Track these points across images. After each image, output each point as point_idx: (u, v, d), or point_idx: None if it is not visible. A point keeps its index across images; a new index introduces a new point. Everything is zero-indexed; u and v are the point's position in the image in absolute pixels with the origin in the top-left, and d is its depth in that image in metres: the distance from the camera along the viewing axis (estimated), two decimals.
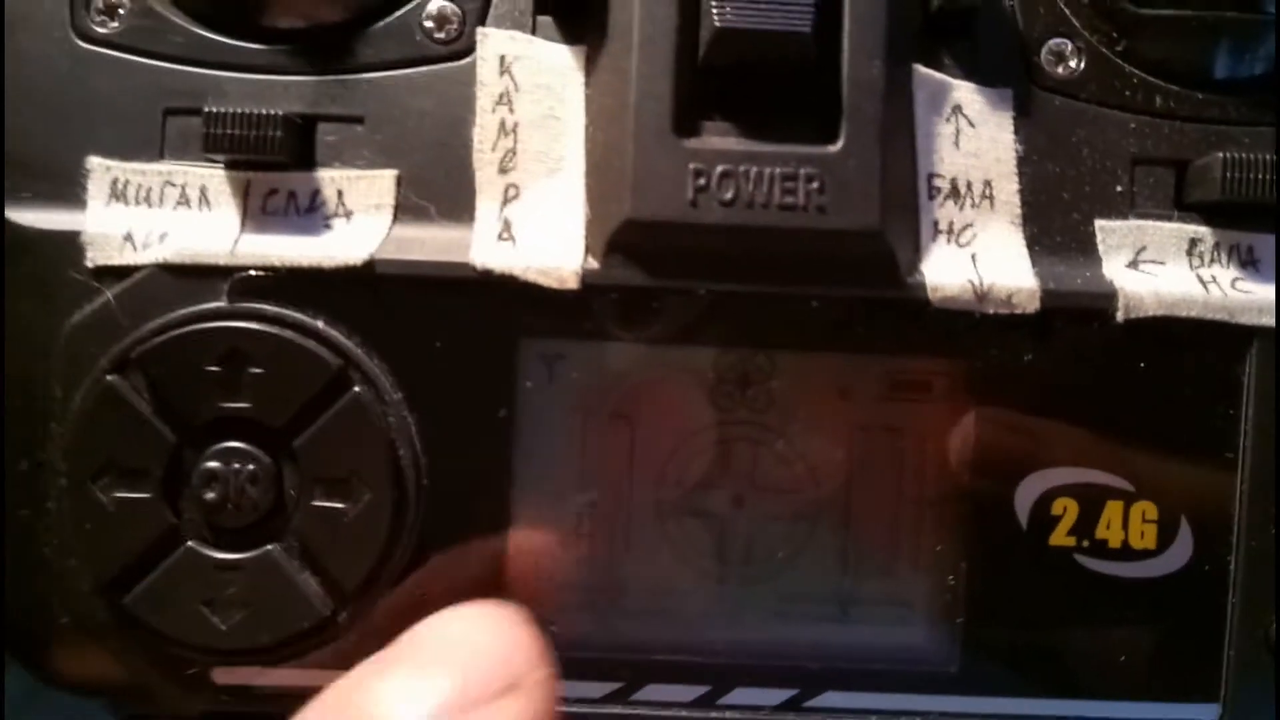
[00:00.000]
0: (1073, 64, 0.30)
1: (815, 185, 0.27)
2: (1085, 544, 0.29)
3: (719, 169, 0.27)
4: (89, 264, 0.28)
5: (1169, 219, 0.30)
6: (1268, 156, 0.29)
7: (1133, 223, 0.29)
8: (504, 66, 0.29)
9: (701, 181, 0.27)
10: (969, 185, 0.29)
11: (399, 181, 0.29)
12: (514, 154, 0.29)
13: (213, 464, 0.28)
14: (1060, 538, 0.29)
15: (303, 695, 0.29)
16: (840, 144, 0.27)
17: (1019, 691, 0.29)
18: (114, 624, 0.28)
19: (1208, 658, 0.29)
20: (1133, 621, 0.29)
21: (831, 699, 0.29)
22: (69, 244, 0.28)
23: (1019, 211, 0.29)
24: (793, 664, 0.29)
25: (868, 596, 0.30)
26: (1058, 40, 0.30)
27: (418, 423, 0.28)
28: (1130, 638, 0.29)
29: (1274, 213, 0.29)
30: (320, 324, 0.28)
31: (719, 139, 0.28)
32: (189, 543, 0.28)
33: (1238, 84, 0.30)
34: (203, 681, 0.29)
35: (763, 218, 0.27)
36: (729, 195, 0.27)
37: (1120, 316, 0.29)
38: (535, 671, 0.23)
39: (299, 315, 0.28)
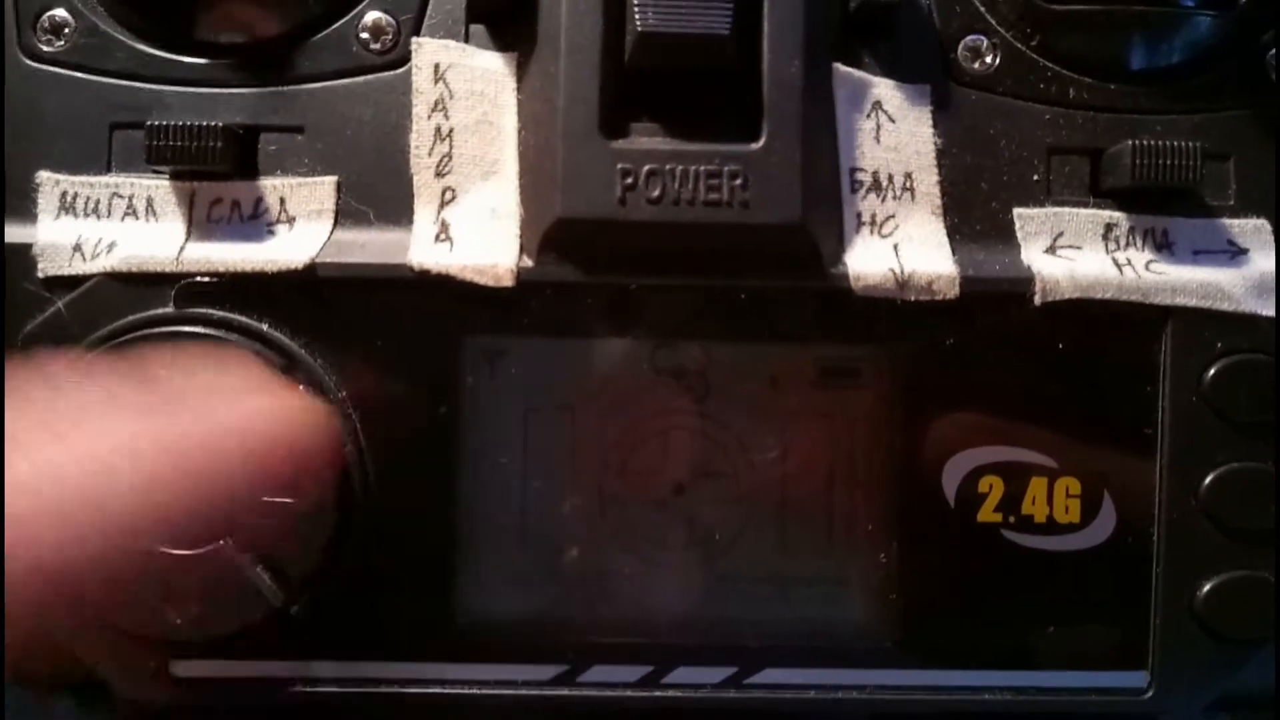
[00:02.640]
0: (989, 59, 0.31)
1: (739, 182, 0.28)
2: (1011, 519, 0.30)
3: (646, 168, 0.28)
4: (40, 275, 0.29)
5: (1085, 205, 0.31)
6: (1176, 143, 0.30)
7: (1050, 210, 0.31)
8: (439, 74, 0.30)
9: (629, 181, 0.28)
10: (890, 178, 0.30)
11: (339, 188, 0.30)
12: (450, 158, 0.30)
13: None
14: (987, 514, 0.30)
15: (259, 685, 0.30)
16: (762, 142, 0.28)
17: (953, 664, 0.30)
18: (73, 621, 0.29)
19: (1134, 627, 0.31)
20: (1060, 594, 0.30)
21: (771, 675, 0.30)
22: (21, 256, 0.29)
23: (939, 202, 0.30)
24: (733, 643, 0.30)
25: (804, 576, 0.31)
26: (974, 37, 0.31)
27: (362, 420, 0.29)
28: (1058, 609, 0.30)
29: (1192, 195, 0.31)
30: (265, 327, 0.29)
31: (646, 139, 0.29)
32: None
33: (1150, 75, 0.31)
34: (161, 675, 0.30)
35: (689, 214, 0.28)
36: (656, 193, 0.28)
37: (1038, 300, 0.30)
38: None
39: (244, 319, 0.29)
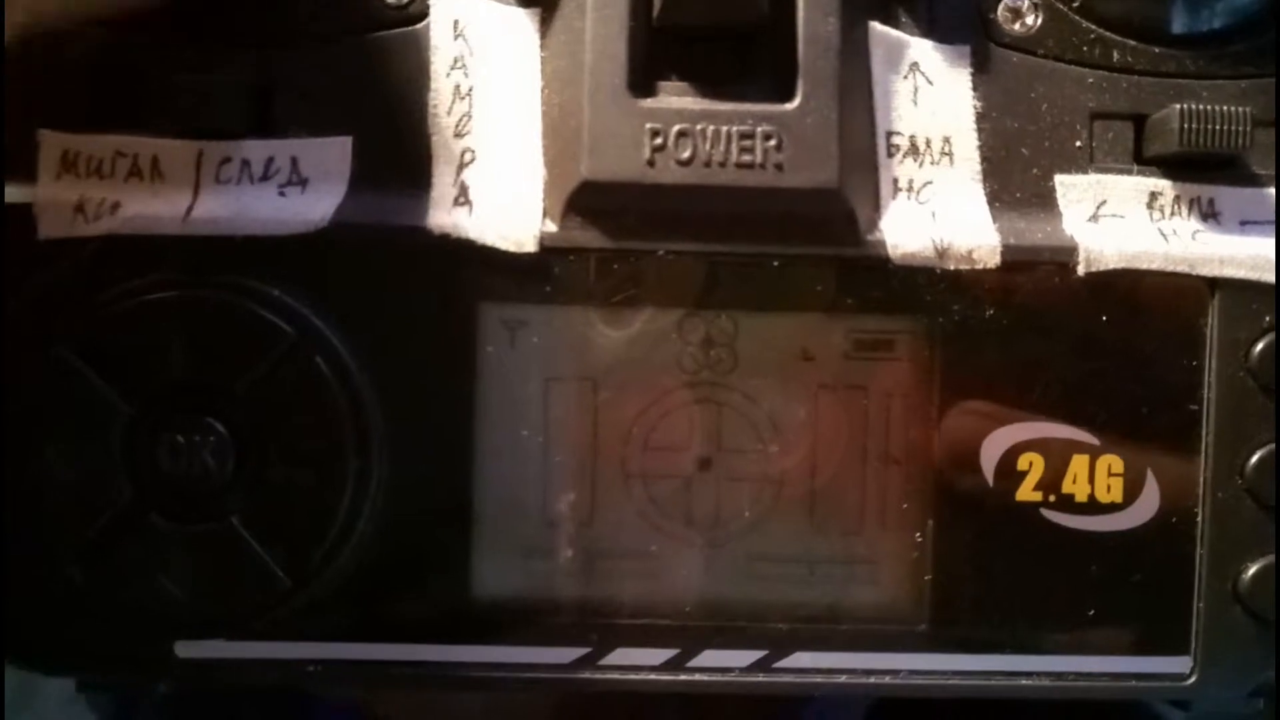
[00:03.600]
0: (1029, 20, 0.30)
1: (773, 143, 0.27)
2: (1052, 499, 0.29)
3: (676, 129, 0.27)
4: (40, 236, 0.28)
5: (1128, 173, 0.30)
6: (1225, 109, 0.28)
7: (1092, 177, 0.29)
8: (458, 30, 0.29)
9: (658, 141, 0.27)
10: (928, 142, 0.29)
11: (354, 148, 0.29)
12: (469, 118, 0.29)
13: (171, 435, 0.28)
14: (1026, 493, 0.29)
15: (267, 667, 0.29)
16: (796, 102, 0.27)
17: (988, 648, 0.29)
18: (76, 598, 0.28)
19: (1177, 611, 0.29)
20: (1101, 576, 0.29)
21: (801, 659, 0.29)
22: (22, 216, 0.28)
23: (978, 168, 0.29)
24: (762, 625, 0.29)
25: (835, 556, 0.29)
26: None
27: (378, 390, 0.28)
28: (1099, 592, 0.29)
29: (1239, 164, 0.29)
30: (276, 292, 0.28)
31: (675, 99, 0.28)
32: (149, 515, 0.28)
33: (1194, 39, 0.30)
34: (166, 655, 0.29)
35: (720, 177, 0.27)
36: (686, 155, 0.27)
37: (1081, 270, 0.29)
38: None
39: (254, 284, 0.28)
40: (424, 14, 0.29)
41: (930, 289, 0.29)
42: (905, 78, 0.29)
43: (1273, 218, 0.29)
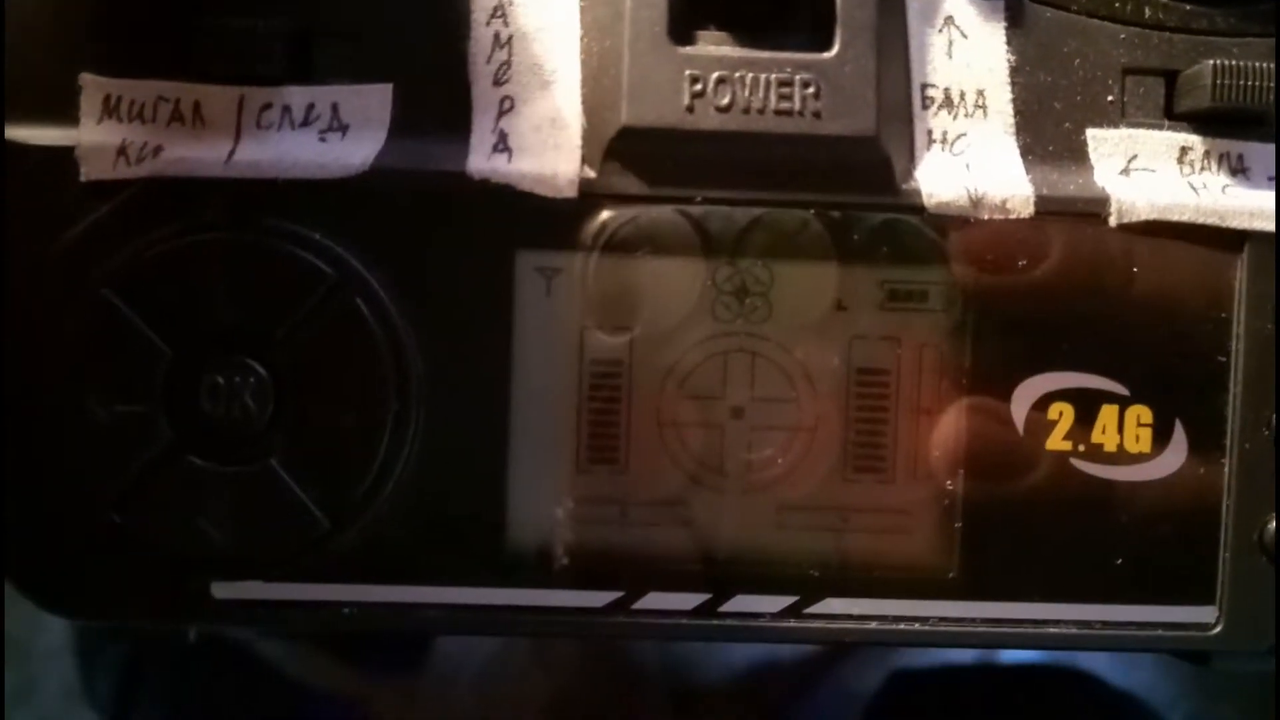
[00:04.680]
0: None
1: (811, 91, 0.28)
2: (1081, 448, 0.29)
3: (715, 75, 0.27)
4: (83, 178, 0.28)
5: (1159, 128, 0.30)
6: (1257, 64, 0.29)
7: (1124, 131, 0.30)
8: None
9: (698, 88, 0.27)
10: (962, 95, 0.29)
11: (395, 94, 0.29)
12: (509, 66, 0.29)
13: (211, 377, 0.28)
14: (1056, 442, 0.29)
15: (302, 610, 0.29)
16: (835, 50, 0.28)
17: (1017, 596, 0.30)
18: (114, 541, 0.28)
19: (1203, 561, 0.30)
20: (1128, 525, 0.30)
21: (832, 605, 0.30)
22: (63, 159, 0.28)
23: (1012, 121, 0.30)
24: (794, 571, 0.30)
25: (867, 504, 0.30)
26: None
27: (416, 335, 0.28)
28: (1126, 541, 0.30)
29: (1268, 121, 0.30)
30: (317, 236, 0.28)
31: (714, 47, 0.28)
32: (189, 457, 0.28)
33: None
34: (202, 596, 0.29)
35: (759, 123, 0.27)
36: (725, 101, 0.27)
37: (1113, 221, 0.29)
38: None
39: (295, 227, 0.28)
40: None
41: (964, 239, 0.29)
42: (940, 31, 0.29)
43: None
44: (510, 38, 0.29)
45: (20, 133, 0.28)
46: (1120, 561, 0.30)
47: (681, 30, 0.28)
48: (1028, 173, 0.29)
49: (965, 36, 0.30)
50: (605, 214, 0.29)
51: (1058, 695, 0.57)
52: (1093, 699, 0.57)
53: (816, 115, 0.27)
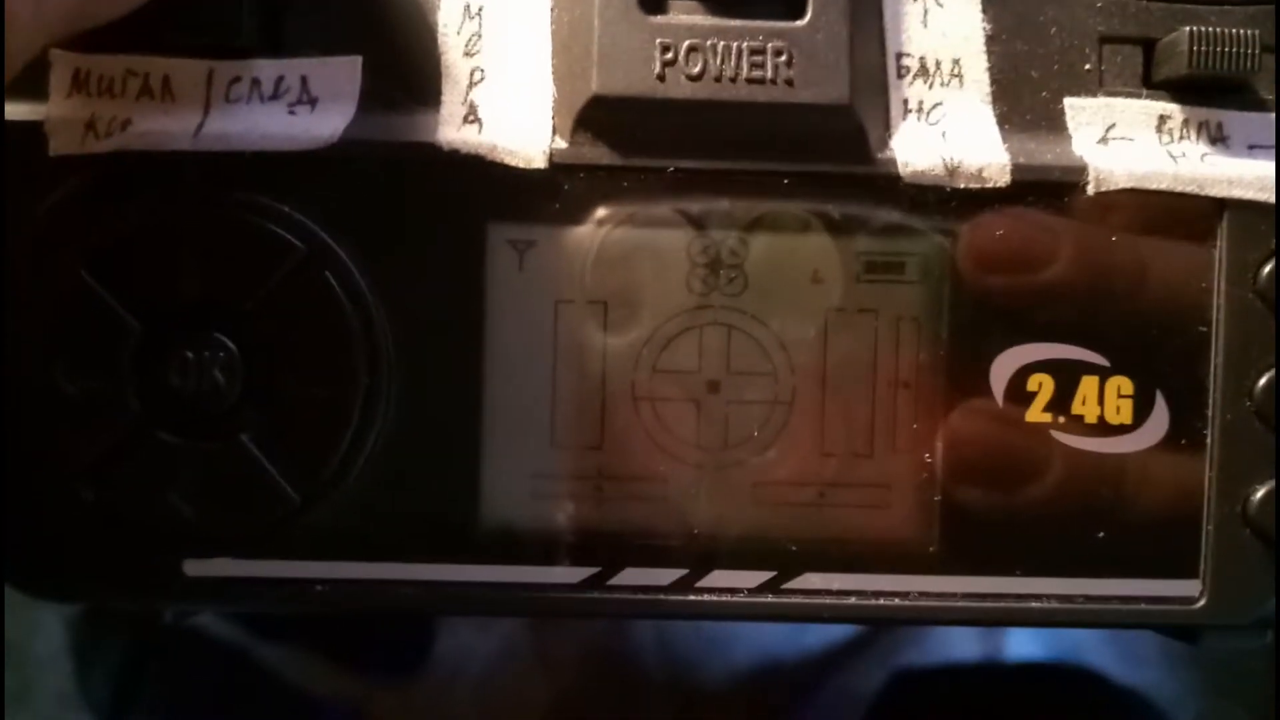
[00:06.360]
0: None
1: (783, 59, 0.27)
2: (1061, 420, 0.29)
3: (686, 44, 0.27)
4: (51, 153, 0.28)
5: (1138, 96, 0.30)
6: (1235, 31, 0.29)
7: (1101, 100, 0.29)
8: None
9: (668, 56, 0.27)
10: (937, 64, 0.29)
11: (364, 67, 0.29)
12: (479, 37, 0.29)
13: (180, 352, 0.27)
14: (1036, 414, 0.29)
15: (274, 587, 0.29)
16: (807, 18, 0.27)
17: (998, 570, 0.29)
18: (82, 518, 0.28)
19: (1186, 533, 0.29)
20: (1110, 497, 0.29)
21: (810, 580, 0.29)
22: (33, 135, 0.28)
23: (988, 90, 0.29)
24: (771, 546, 0.29)
25: (845, 478, 0.29)
26: None
27: (387, 308, 0.28)
28: (1108, 514, 0.29)
29: (1247, 89, 0.30)
30: (286, 209, 0.28)
31: (686, 16, 0.28)
32: (158, 432, 0.28)
33: None
34: (174, 574, 0.28)
35: (730, 92, 0.27)
36: (696, 70, 0.27)
37: (1091, 189, 0.29)
38: None
39: (265, 200, 0.28)
40: None
41: (941, 209, 0.29)
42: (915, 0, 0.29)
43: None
44: (480, 9, 0.29)
45: None
46: (1102, 535, 0.29)
47: None
48: (1004, 142, 0.29)
49: (941, 5, 0.29)
50: (577, 184, 0.28)
51: (1064, 695, 0.57)
52: (1100, 698, 0.56)
53: (789, 83, 0.27)
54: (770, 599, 0.29)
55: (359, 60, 0.29)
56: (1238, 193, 0.29)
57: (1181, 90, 0.30)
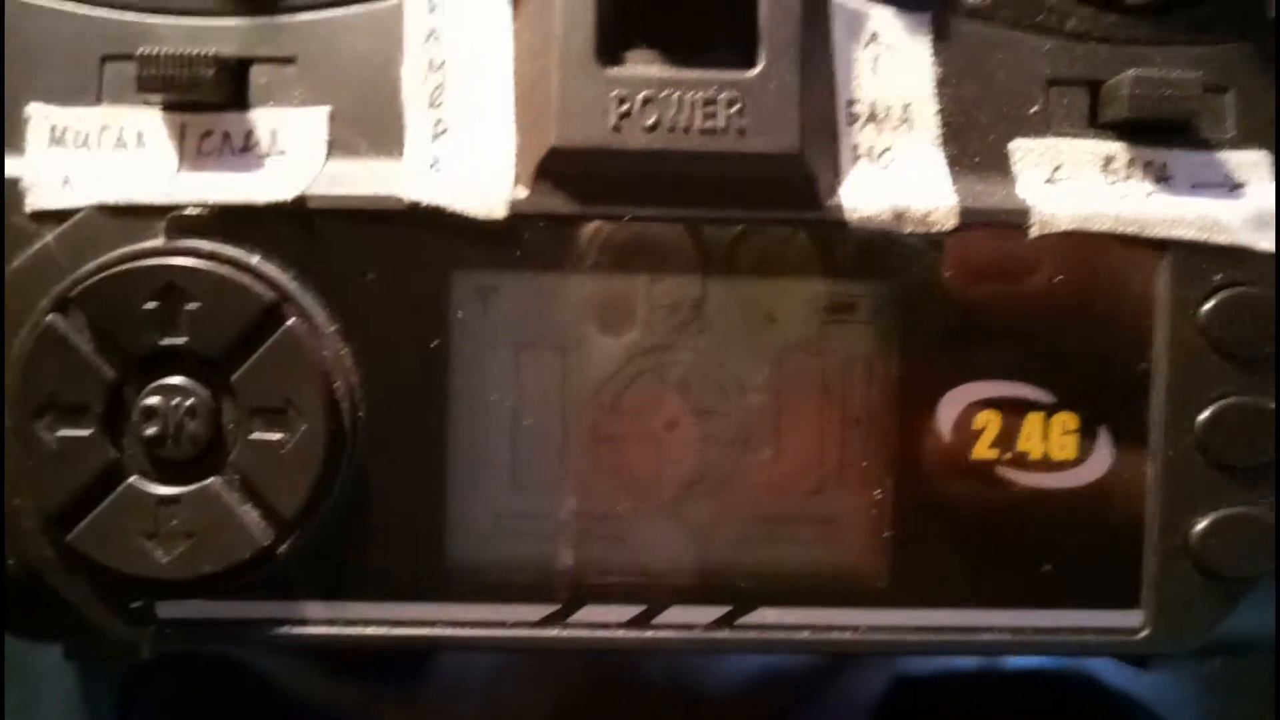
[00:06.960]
0: None
1: (735, 109, 0.28)
2: (1007, 456, 0.30)
3: (641, 95, 0.28)
4: (28, 209, 0.29)
5: (1084, 137, 0.30)
6: (1175, 74, 0.29)
7: (1048, 141, 0.30)
8: (432, 4, 0.30)
9: (624, 108, 0.28)
10: (887, 109, 0.30)
11: (331, 119, 0.29)
12: (443, 89, 0.29)
13: (152, 399, 0.28)
14: (983, 450, 0.30)
15: (246, 626, 0.30)
16: (759, 68, 0.28)
17: (947, 603, 0.30)
18: (59, 561, 0.29)
19: (1129, 565, 0.30)
20: (1055, 532, 0.30)
21: (765, 615, 0.30)
22: (10, 190, 0.29)
23: (938, 133, 0.30)
24: (726, 582, 0.30)
25: (798, 514, 0.30)
26: None
27: (353, 354, 0.29)
28: (1054, 548, 0.30)
29: (1190, 129, 0.30)
30: (255, 259, 0.29)
31: (641, 67, 0.29)
32: (131, 478, 0.28)
33: (1149, 6, 0.31)
34: (147, 616, 0.29)
35: (684, 142, 0.28)
36: (651, 121, 0.28)
37: (1035, 232, 0.29)
38: None
39: (234, 251, 0.29)
40: None
41: (889, 252, 0.29)
42: (866, 46, 0.30)
43: (1223, 181, 0.30)
44: (444, 62, 0.30)
45: None
46: (1048, 567, 0.30)
47: (609, 51, 0.28)
48: (954, 184, 0.30)
49: (890, 51, 0.30)
50: (538, 233, 0.29)
51: (1065, 700, 0.57)
52: (1100, 704, 0.56)
53: (741, 132, 0.28)
54: (726, 634, 0.30)
55: (326, 111, 0.29)
56: (1179, 233, 0.30)
57: (1127, 131, 0.30)
